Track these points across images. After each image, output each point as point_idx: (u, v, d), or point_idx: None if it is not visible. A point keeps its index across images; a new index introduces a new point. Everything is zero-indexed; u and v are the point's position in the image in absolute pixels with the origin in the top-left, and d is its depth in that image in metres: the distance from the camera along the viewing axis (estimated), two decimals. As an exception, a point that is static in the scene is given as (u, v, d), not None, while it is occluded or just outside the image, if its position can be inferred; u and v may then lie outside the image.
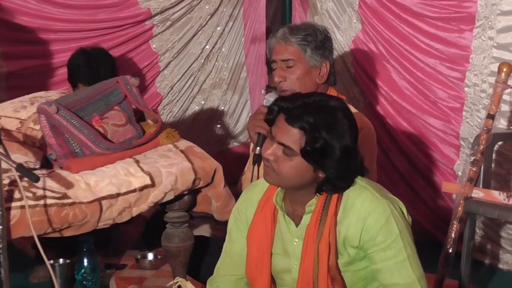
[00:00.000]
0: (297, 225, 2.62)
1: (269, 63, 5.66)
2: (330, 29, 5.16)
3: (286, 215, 2.64)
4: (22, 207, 2.96)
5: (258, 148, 3.04)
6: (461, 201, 3.65)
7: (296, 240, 2.61)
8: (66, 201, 3.11)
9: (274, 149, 2.52)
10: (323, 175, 2.53)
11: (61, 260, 3.92)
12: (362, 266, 2.56)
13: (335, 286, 2.55)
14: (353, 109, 3.61)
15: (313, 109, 2.49)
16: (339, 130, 2.48)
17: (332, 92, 3.58)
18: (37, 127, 3.43)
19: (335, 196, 2.55)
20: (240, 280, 2.77)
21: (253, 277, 2.71)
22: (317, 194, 2.57)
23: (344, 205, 2.54)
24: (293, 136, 2.48)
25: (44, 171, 3.26)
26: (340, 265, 2.55)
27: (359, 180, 2.59)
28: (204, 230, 4.11)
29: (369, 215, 2.49)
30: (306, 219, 2.59)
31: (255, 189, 2.77)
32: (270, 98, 3.04)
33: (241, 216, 2.76)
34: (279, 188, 2.65)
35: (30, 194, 3.04)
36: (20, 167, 2.86)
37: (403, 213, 2.58)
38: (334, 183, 2.54)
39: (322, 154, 2.47)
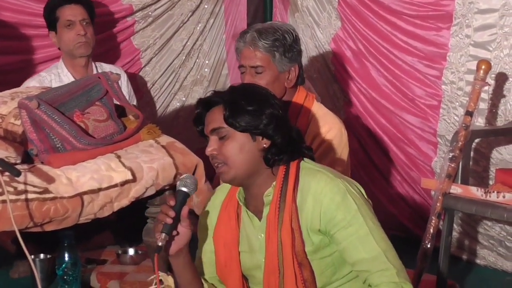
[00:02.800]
0: (260, 220, 2.64)
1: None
2: (310, 26, 5.22)
3: (248, 211, 2.66)
4: (4, 201, 2.96)
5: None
6: (440, 197, 3.69)
7: (262, 234, 2.61)
8: (47, 195, 3.12)
9: (211, 143, 2.59)
10: (266, 143, 2.57)
11: (42, 255, 3.92)
12: (327, 253, 2.56)
13: (303, 271, 2.55)
14: (323, 109, 3.61)
15: (227, 89, 2.69)
16: (254, 93, 2.63)
17: (301, 91, 3.58)
18: (18, 122, 3.43)
19: (291, 182, 2.56)
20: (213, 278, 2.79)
21: (224, 277, 2.72)
22: (273, 173, 2.60)
23: (301, 190, 2.55)
24: (216, 116, 2.58)
25: (25, 166, 3.27)
26: (306, 252, 2.55)
27: (312, 165, 2.62)
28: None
29: (325, 195, 2.50)
30: (266, 210, 2.60)
31: (218, 193, 2.80)
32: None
33: (206, 221, 2.78)
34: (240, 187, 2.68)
35: (11, 189, 3.05)
36: (1, 162, 2.88)
37: (361, 192, 2.60)
38: (278, 146, 2.57)
39: (244, 113, 2.54)
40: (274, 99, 2.63)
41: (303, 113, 3.51)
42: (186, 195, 2.58)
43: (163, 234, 2.50)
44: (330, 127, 3.50)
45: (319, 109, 3.58)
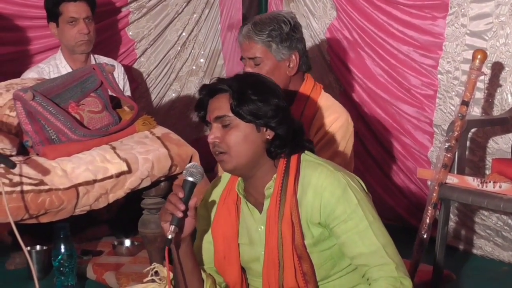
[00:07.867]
0: (260, 212, 2.62)
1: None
2: (305, 16, 5.20)
3: (249, 203, 2.64)
4: (-1, 193, 2.97)
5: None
6: (436, 187, 3.69)
7: (262, 227, 2.60)
8: (42, 187, 3.12)
9: (213, 131, 2.55)
10: (270, 135, 2.55)
11: (38, 247, 3.93)
12: (327, 246, 2.55)
13: (302, 264, 2.54)
14: (331, 99, 3.60)
15: (233, 77, 2.62)
16: (261, 83, 2.58)
17: (309, 80, 3.56)
18: (13, 114, 3.43)
19: (292, 176, 2.55)
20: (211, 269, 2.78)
21: (223, 269, 2.70)
22: (275, 165, 2.58)
23: (301, 183, 2.54)
24: (222, 103, 2.53)
25: (20, 158, 3.27)
26: (306, 245, 2.54)
27: (313, 158, 2.61)
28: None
29: (325, 189, 2.49)
30: (267, 203, 2.59)
31: (217, 184, 2.77)
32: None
33: (204, 213, 2.75)
34: (240, 178, 2.66)
35: (6, 181, 3.05)
36: (-4, 154, 2.87)
37: (362, 185, 2.58)
38: (282, 138, 2.55)
39: (251, 103, 2.50)
40: (280, 90, 2.61)
41: (310, 102, 3.51)
42: (193, 185, 2.55)
43: (173, 227, 2.48)
44: (337, 117, 3.49)
45: (327, 99, 3.58)
